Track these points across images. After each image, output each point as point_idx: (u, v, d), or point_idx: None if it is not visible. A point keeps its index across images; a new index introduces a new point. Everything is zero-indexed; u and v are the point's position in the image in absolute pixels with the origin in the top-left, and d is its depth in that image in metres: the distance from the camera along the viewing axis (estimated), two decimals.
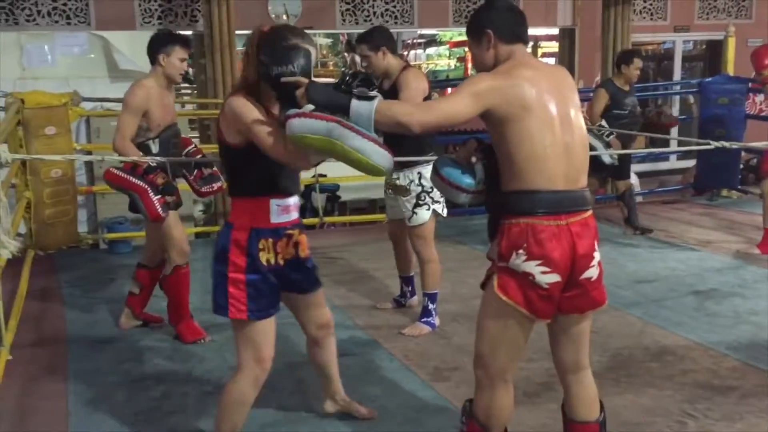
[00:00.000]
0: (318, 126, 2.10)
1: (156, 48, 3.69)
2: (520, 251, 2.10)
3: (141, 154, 3.60)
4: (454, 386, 3.24)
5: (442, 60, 14.68)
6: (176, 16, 6.76)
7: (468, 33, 2.31)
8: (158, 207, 3.60)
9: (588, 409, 2.31)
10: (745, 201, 6.98)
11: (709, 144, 4.51)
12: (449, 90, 8.55)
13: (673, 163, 9.27)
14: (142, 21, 6.69)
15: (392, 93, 3.61)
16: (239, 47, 6.65)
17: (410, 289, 4.28)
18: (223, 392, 2.53)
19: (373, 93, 2.15)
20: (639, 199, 7.81)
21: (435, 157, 3.07)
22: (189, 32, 7.15)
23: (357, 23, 7.54)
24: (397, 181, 3.88)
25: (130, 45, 6.93)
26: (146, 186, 3.57)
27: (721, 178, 7.01)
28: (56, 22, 6.52)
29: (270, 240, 2.40)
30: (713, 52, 9.10)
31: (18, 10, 6.36)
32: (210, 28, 6.31)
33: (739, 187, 7.02)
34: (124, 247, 5.82)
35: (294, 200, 2.48)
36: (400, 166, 3.70)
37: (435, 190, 3.53)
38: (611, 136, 5.43)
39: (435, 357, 3.57)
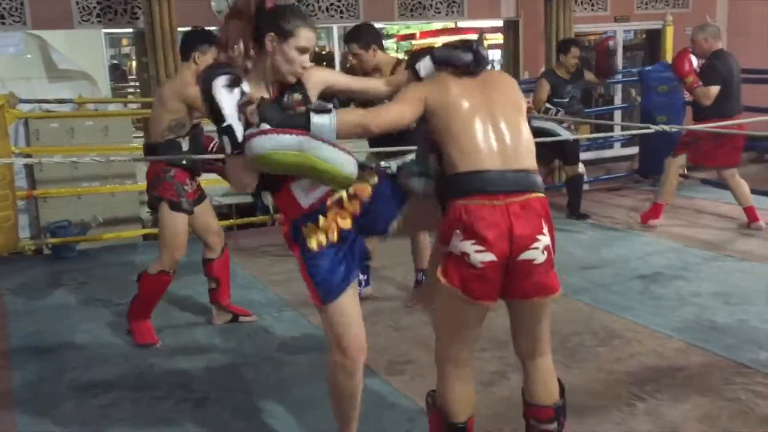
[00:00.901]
0: (289, 141, 2.06)
1: (191, 45, 3.65)
2: (457, 231, 2.14)
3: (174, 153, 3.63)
4: (409, 379, 3.26)
5: (389, 54, 14.70)
6: (116, 13, 6.61)
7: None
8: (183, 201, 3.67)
9: (545, 394, 2.35)
10: (687, 185, 7.17)
11: (649, 128, 4.63)
12: None
13: (617, 150, 9.46)
14: (80, 19, 6.52)
15: None
16: None
17: (366, 278, 4.26)
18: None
19: (329, 105, 2.17)
20: (585, 186, 7.97)
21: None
22: (129, 30, 7.01)
23: None
24: (388, 170, 3.91)
25: (69, 44, 6.74)
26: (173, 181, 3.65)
27: (663, 164, 7.19)
28: None
29: (310, 224, 2.28)
30: (652, 41, 9.31)
31: None
32: (151, 26, 6.18)
33: (681, 172, 7.20)
34: (68, 252, 5.68)
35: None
36: (391, 156, 3.81)
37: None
38: (559, 113, 5.59)
39: (389, 351, 3.58)
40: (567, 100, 5.80)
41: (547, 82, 5.84)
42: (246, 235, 6.05)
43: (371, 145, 4.12)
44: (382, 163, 3.83)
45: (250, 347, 3.73)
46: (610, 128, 8.73)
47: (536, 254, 2.14)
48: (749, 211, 5.49)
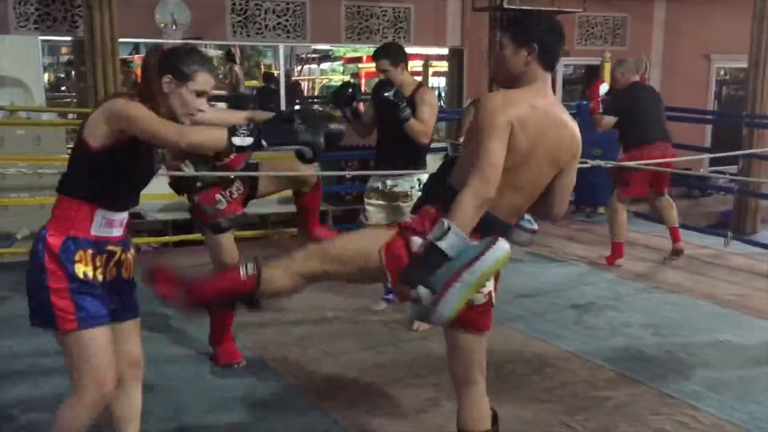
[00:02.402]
0: (453, 293, 2.01)
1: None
2: (418, 239, 2.19)
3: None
4: (340, 405, 3.21)
5: (336, 75, 14.73)
6: (54, 21, 6.45)
7: (510, 32, 2.29)
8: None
9: (476, 422, 2.37)
10: None
11: (586, 162, 4.74)
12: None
13: None
14: (16, 25, 6.33)
15: (407, 104, 3.94)
16: (123, 55, 6.40)
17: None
18: (55, 415, 2.25)
19: (443, 224, 2.07)
20: None
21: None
22: (68, 38, 6.84)
23: (248, 35, 7.45)
24: (395, 189, 4.10)
25: (3, 50, 6.53)
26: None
27: (599, 196, 7.38)
28: None
29: (89, 251, 2.18)
30: (591, 76, 9.60)
31: None
32: (91, 35, 6.04)
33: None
34: None
35: (122, 216, 2.27)
36: (396, 175, 4.08)
37: None
38: None
39: (322, 376, 3.52)
40: None
41: (474, 109, 5.92)
42: (182, 253, 5.91)
43: (378, 160, 4.26)
44: (388, 182, 4.13)
45: (180, 369, 3.62)
46: None
47: (478, 297, 2.22)
48: (674, 232, 5.70)
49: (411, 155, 4.06)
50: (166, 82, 2.19)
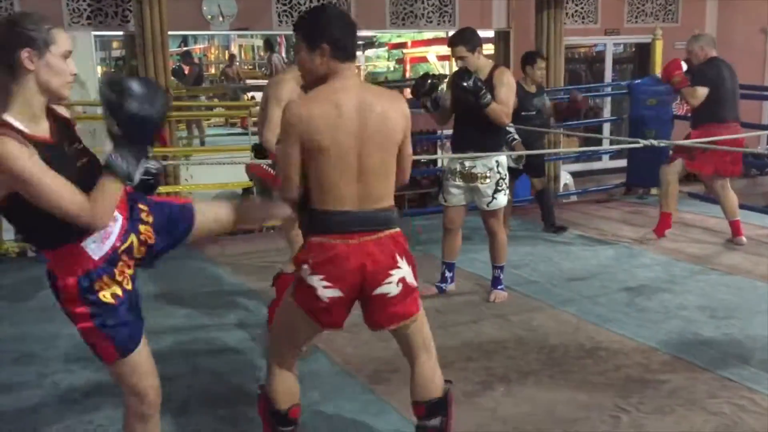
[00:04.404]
0: None
1: None
2: (305, 266, 2.25)
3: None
4: (394, 388, 3.24)
5: (380, 62, 14.72)
6: (106, 16, 6.59)
7: (300, 35, 2.29)
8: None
9: (423, 391, 2.46)
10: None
11: (638, 142, 4.65)
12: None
13: (606, 162, 9.50)
14: (70, 21, 6.49)
15: (486, 87, 4.04)
16: (172, 48, 6.52)
17: (451, 275, 4.51)
18: None
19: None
20: (573, 198, 8.01)
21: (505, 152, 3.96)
22: (120, 33, 6.99)
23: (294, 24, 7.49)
24: (473, 170, 4.18)
25: None
26: None
27: (650, 177, 7.23)
28: None
29: (105, 277, 2.01)
30: (642, 54, 9.38)
31: None
32: (142, 29, 6.17)
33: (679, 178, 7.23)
34: None
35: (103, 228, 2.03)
36: (475, 157, 4.15)
37: (507, 176, 4.22)
38: (515, 141, 5.53)
39: (374, 360, 3.56)
40: (534, 113, 5.76)
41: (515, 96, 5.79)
42: (232, 242, 6.02)
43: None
44: (467, 164, 4.20)
45: (234, 354, 3.70)
46: (600, 141, 8.78)
47: (391, 288, 2.28)
48: (734, 225, 5.52)
49: (489, 136, 4.16)
50: (25, 57, 1.84)
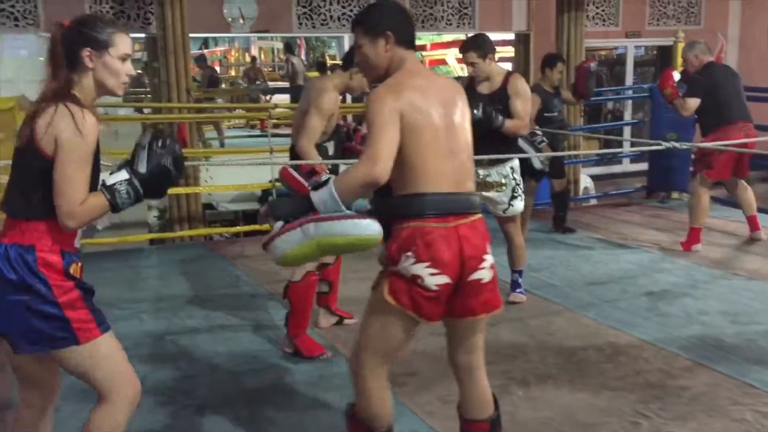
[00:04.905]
0: (291, 237, 2.07)
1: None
2: (409, 254, 2.13)
3: (321, 159, 3.57)
4: (412, 391, 3.23)
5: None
6: (128, 18, 6.65)
7: (361, 28, 2.26)
8: None
9: (479, 409, 2.36)
10: None
11: (660, 144, 4.61)
12: None
13: (626, 166, 9.45)
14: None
15: (499, 97, 4.04)
16: (194, 50, 6.57)
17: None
18: (87, 429, 2.13)
19: (324, 177, 2.16)
20: (593, 201, 7.95)
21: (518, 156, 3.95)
22: (142, 35, 7.05)
23: (314, 27, 7.52)
24: (488, 178, 4.14)
25: None
26: None
27: (672, 181, 7.17)
28: (3, 23, 6.36)
29: (78, 264, 2.08)
30: (664, 57, 9.30)
31: None
32: (163, 31, 6.23)
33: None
34: None
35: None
36: (489, 164, 4.08)
37: (522, 181, 4.16)
38: (543, 143, 5.52)
39: (393, 362, 3.55)
40: (556, 113, 5.85)
41: (538, 96, 5.76)
42: (251, 243, 6.05)
43: None
44: (480, 172, 4.04)
45: (252, 355, 3.72)
46: (620, 144, 8.71)
47: (485, 274, 2.21)
48: (752, 220, 5.51)
49: (502, 144, 4.11)
50: (86, 55, 2.02)
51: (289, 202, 2.15)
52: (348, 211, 2.09)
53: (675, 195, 7.47)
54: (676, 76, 5.38)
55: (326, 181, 2.10)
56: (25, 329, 2.01)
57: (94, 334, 2.05)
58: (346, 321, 4.07)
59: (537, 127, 5.59)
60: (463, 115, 2.26)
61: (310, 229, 2.06)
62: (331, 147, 3.71)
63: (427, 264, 2.11)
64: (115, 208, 2.03)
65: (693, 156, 5.68)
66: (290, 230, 2.08)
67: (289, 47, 14.29)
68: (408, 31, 2.25)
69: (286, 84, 13.61)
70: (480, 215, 2.24)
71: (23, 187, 2.04)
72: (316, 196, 2.08)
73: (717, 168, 5.26)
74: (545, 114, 5.71)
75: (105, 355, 2.08)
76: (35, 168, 2.01)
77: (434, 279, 2.12)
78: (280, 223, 2.09)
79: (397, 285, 2.16)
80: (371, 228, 2.09)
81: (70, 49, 2.03)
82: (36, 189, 2.02)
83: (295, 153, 3.61)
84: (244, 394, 3.26)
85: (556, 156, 5.68)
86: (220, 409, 3.11)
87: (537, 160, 5.25)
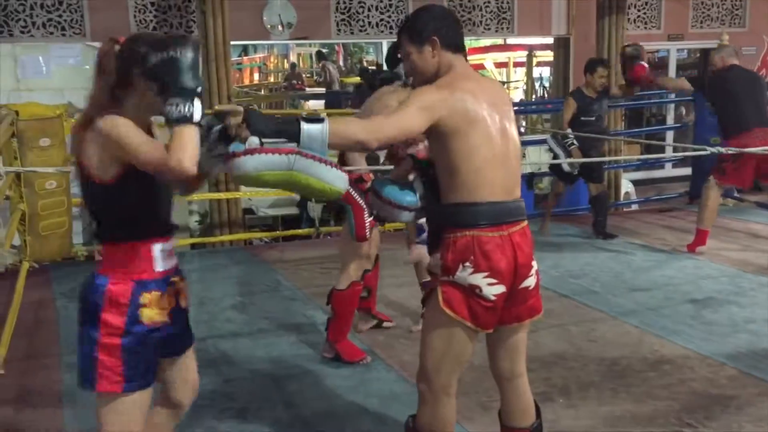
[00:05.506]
0: (278, 161, 1.94)
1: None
2: (467, 264, 2.11)
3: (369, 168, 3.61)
4: None
5: None
6: (171, 26, 6.78)
7: (407, 36, 2.25)
8: (367, 229, 3.52)
9: (522, 416, 2.35)
10: (741, 209, 6.99)
11: (705, 149, 4.53)
12: None
13: (668, 171, 9.29)
14: (137, 32, 6.70)
15: None
16: (234, 57, 6.65)
17: None
18: None
19: (322, 114, 2.12)
20: (634, 207, 7.83)
21: None
22: None
23: (352, 33, 7.57)
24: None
25: None
26: (364, 205, 3.48)
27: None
28: (51, 33, 6.52)
29: (156, 293, 1.96)
30: (707, 60, 9.13)
31: (13, 22, 6.37)
32: (205, 39, 6.32)
33: (735, 195, 7.03)
34: None
35: (173, 242, 2.11)
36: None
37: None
38: (573, 146, 5.59)
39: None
40: (594, 118, 5.84)
41: (574, 101, 5.86)
42: (290, 247, 6.10)
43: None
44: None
45: (292, 359, 3.74)
46: (662, 148, 8.57)
47: (532, 281, 2.22)
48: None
49: None
50: (137, 74, 1.89)
51: (272, 119, 2.00)
52: (327, 157, 2.03)
53: (720, 201, 7.32)
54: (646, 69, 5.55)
55: (321, 119, 2.01)
56: (80, 361, 1.96)
57: (114, 388, 1.93)
58: (385, 324, 4.08)
59: (569, 130, 5.66)
60: (511, 120, 2.23)
61: (294, 160, 1.96)
62: (382, 155, 3.73)
63: (485, 274, 2.10)
64: (186, 119, 1.81)
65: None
66: (272, 154, 1.95)
67: (321, 54, 14.40)
68: (454, 35, 2.23)
69: (322, 90, 13.72)
70: (526, 221, 2.23)
71: (93, 213, 2.03)
72: (307, 129, 1.96)
73: (729, 175, 5.25)
74: (582, 118, 5.77)
75: (117, 413, 1.96)
76: (95, 194, 1.97)
77: (492, 289, 2.11)
78: (254, 139, 1.95)
79: (453, 294, 2.14)
80: (341, 180, 2.06)
81: (123, 66, 1.92)
82: (100, 213, 2.00)
83: (343, 159, 3.65)
84: (284, 398, 3.29)
85: (591, 160, 5.67)
86: (260, 413, 3.14)
87: (565, 164, 5.26)
